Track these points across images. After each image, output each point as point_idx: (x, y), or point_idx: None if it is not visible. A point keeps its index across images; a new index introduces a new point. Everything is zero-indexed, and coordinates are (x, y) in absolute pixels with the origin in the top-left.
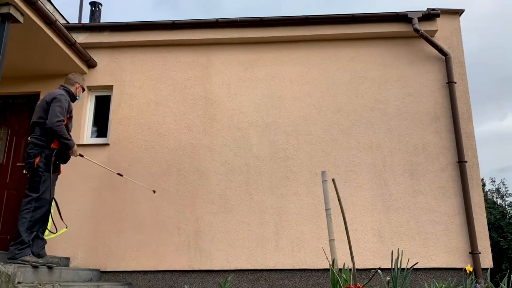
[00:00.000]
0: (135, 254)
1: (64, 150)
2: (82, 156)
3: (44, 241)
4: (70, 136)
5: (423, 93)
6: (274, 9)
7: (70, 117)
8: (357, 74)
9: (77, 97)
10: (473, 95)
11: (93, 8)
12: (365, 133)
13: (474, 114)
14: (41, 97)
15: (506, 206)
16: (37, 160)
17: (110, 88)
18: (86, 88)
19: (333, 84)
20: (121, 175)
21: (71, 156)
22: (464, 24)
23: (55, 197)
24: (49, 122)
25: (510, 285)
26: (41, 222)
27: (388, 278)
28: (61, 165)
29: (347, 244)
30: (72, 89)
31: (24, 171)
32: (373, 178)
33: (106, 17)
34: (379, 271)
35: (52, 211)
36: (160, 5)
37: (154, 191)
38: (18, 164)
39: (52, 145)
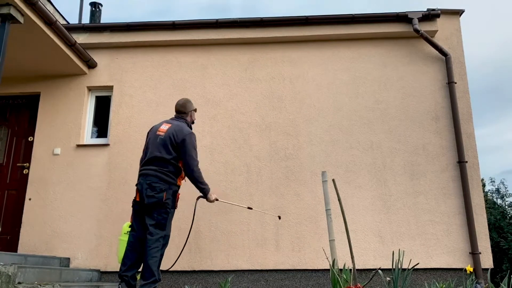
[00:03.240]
0: None
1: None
2: (217, 200)
3: None
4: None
5: (423, 93)
6: (319, 9)
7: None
8: (357, 74)
9: (194, 121)
10: None
11: (93, 9)
12: (365, 133)
13: None
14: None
15: (506, 207)
16: (164, 195)
17: (110, 88)
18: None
19: (333, 85)
20: (251, 208)
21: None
22: None
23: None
24: (190, 167)
25: (511, 285)
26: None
27: (388, 278)
28: None
29: (347, 244)
30: (189, 118)
31: (143, 202)
32: (373, 178)
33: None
34: (379, 271)
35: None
36: (208, 8)
37: (279, 217)
38: (18, 164)
39: (178, 182)
